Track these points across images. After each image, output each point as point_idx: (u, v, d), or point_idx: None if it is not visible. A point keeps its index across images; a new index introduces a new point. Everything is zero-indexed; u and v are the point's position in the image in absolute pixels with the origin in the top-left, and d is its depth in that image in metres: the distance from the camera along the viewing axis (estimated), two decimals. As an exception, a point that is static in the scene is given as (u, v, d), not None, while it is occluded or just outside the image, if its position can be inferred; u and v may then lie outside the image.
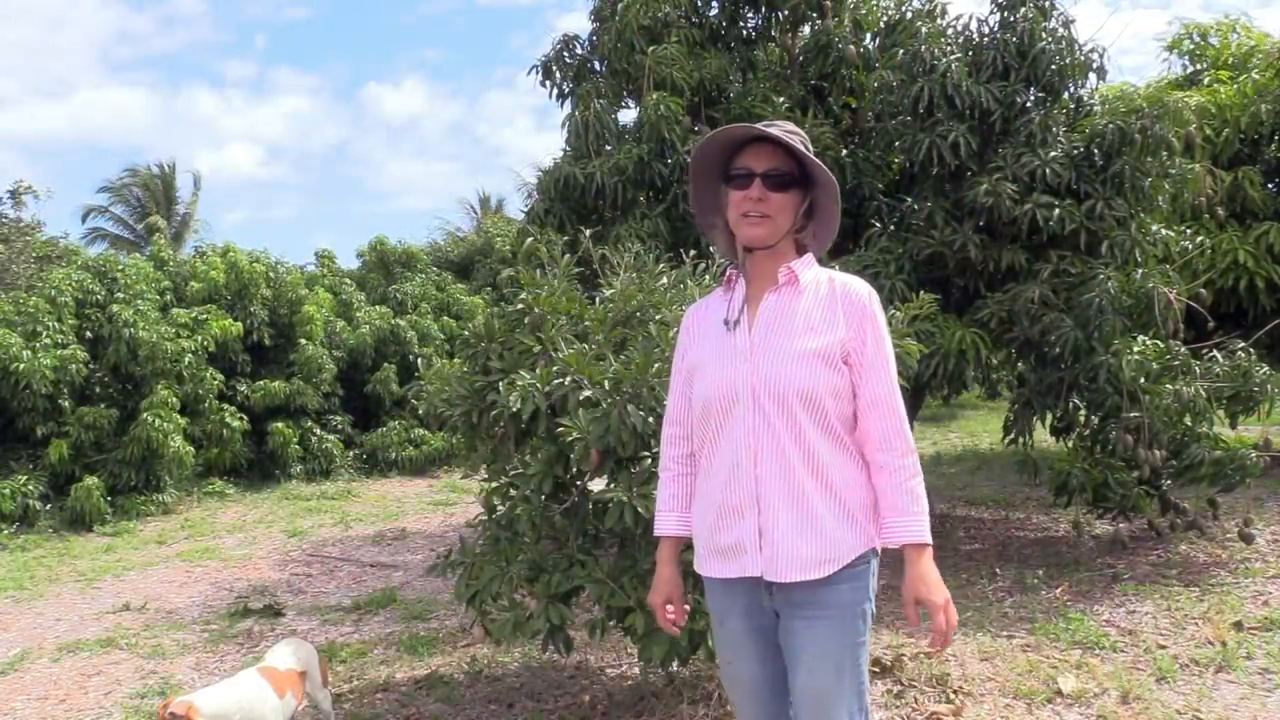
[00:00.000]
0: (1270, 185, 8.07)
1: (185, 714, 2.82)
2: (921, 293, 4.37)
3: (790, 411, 1.85)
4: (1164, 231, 5.93)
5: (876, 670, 3.82)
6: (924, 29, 6.15)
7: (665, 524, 2.13)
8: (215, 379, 10.61)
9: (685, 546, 2.14)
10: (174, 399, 9.80)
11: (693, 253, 3.97)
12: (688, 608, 2.18)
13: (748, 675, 2.01)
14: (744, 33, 7.23)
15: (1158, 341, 5.70)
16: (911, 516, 1.86)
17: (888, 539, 1.90)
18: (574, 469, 3.28)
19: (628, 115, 6.98)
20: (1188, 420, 5.41)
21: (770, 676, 2.00)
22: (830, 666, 1.87)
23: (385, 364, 12.52)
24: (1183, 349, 5.53)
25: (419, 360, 11.39)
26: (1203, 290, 6.41)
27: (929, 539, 1.87)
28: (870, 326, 1.91)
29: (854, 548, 1.89)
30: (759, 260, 1.97)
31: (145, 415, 9.40)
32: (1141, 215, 5.77)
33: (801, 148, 1.91)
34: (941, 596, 1.85)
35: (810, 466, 1.87)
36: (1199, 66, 9.19)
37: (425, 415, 3.72)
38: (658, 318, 3.37)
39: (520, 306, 3.58)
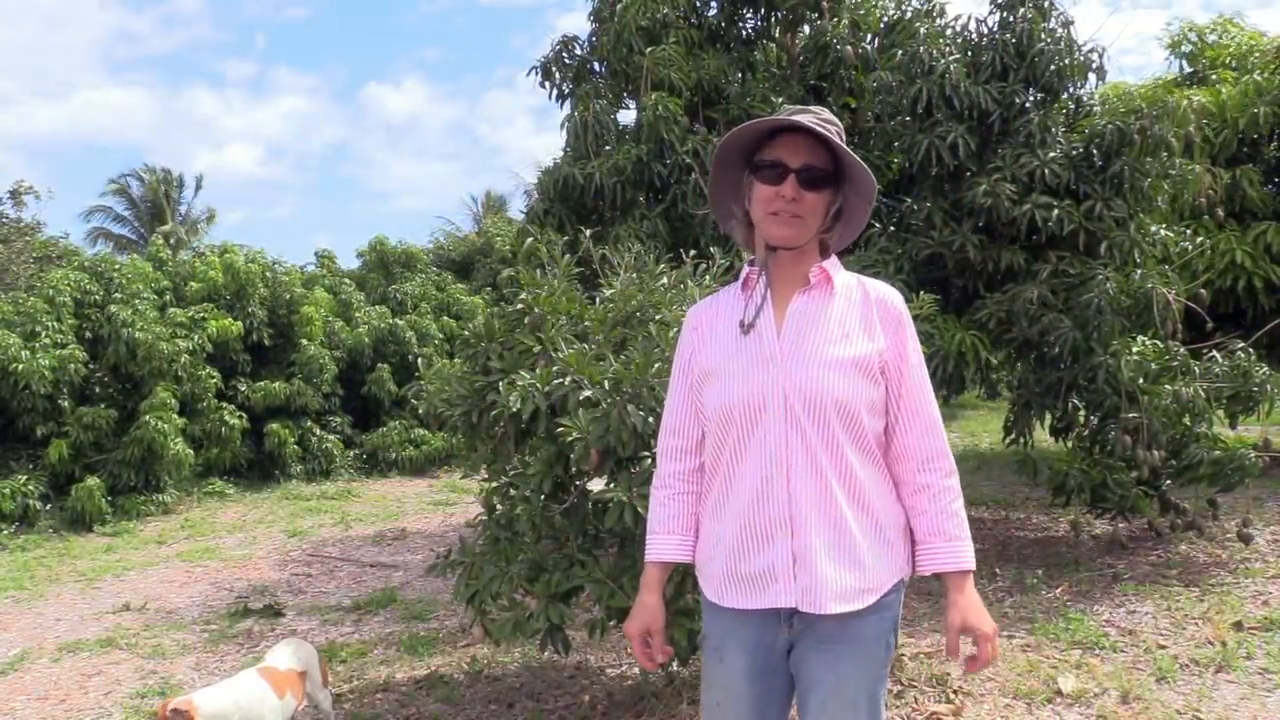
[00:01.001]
0: (1269, 185, 8.08)
1: (187, 710, 2.84)
2: (921, 293, 4.37)
3: (826, 422, 1.69)
4: (1163, 232, 5.94)
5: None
6: (923, 29, 6.15)
7: (663, 548, 1.88)
8: (213, 379, 10.62)
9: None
10: (173, 400, 9.80)
11: (692, 253, 3.98)
12: (669, 650, 1.93)
13: None
14: (743, 33, 7.24)
15: (1157, 342, 5.70)
16: (958, 542, 1.72)
17: (928, 565, 1.74)
18: (574, 469, 3.28)
19: (627, 116, 7.00)
20: (1187, 420, 5.42)
21: None
22: (848, 701, 1.71)
23: (380, 364, 12.53)
24: (1182, 349, 5.54)
25: (418, 360, 11.40)
26: (1202, 290, 6.41)
27: (974, 565, 1.73)
28: (908, 337, 1.78)
29: (890, 576, 1.73)
30: (782, 260, 1.80)
31: (145, 417, 9.41)
32: (1140, 216, 5.77)
33: (839, 140, 1.73)
34: (990, 626, 1.70)
35: (846, 484, 1.70)
36: (1198, 66, 9.21)
37: (425, 415, 3.72)
38: (658, 318, 3.37)
39: (520, 306, 3.59)
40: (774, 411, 1.71)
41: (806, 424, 1.70)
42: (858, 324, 1.76)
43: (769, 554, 1.71)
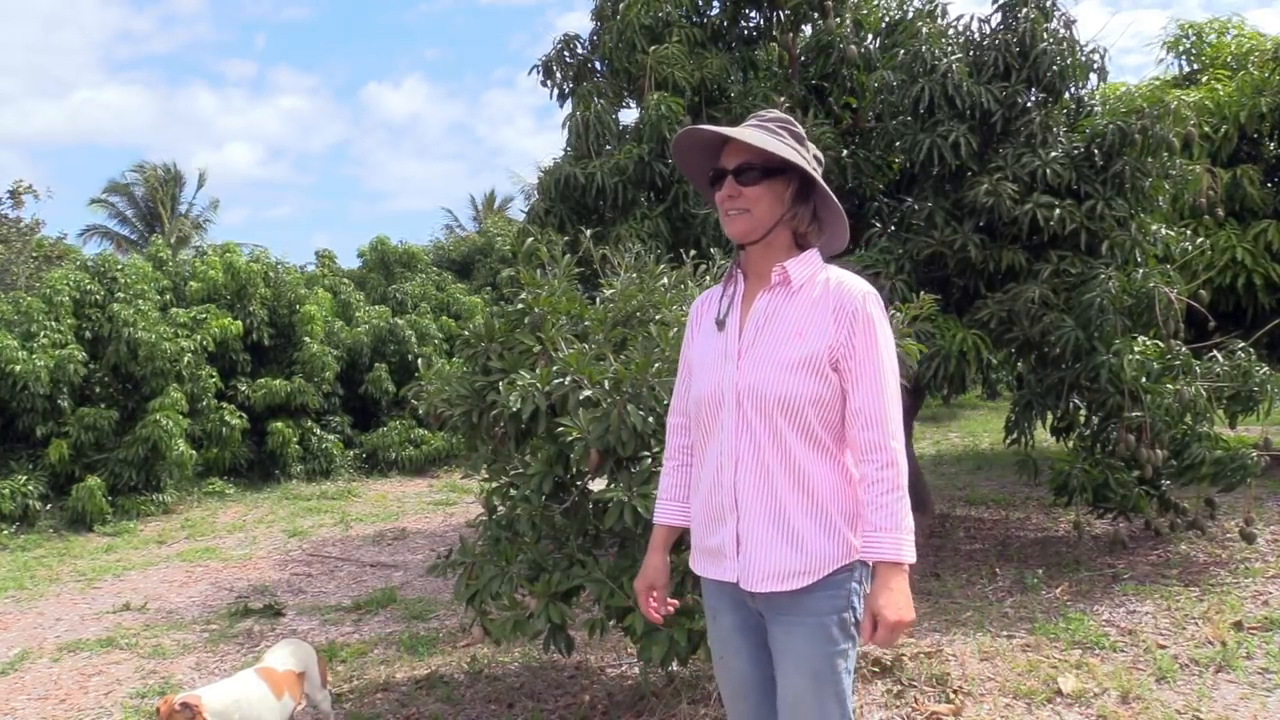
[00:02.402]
0: (1269, 183, 8.07)
1: (196, 705, 2.86)
2: (922, 293, 4.36)
3: (771, 419, 1.82)
4: (1164, 231, 5.93)
5: (876, 670, 3.82)
6: (925, 29, 6.14)
7: (662, 512, 2.12)
8: (214, 378, 10.62)
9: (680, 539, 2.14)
10: (182, 400, 9.81)
11: (693, 253, 3.97)
12: (675, 602, 2.17)
13: (738, 674, 2.00)
14: (745, 32, 7.23)
15: (1158, 341, 5.70)
16: (885, 533, 1.76)
17: (865, 554, 1.82)
18: (574, 469, 3.28)
19: (628, 115, 6.99)
20: (1189, 420, 5.41)
21: (761, 679, 1.97)
22: (806, 673, 1.83)
23: (377, 364, 12.52)
24: (1183, 349, 5.53)
25: (418, 360, 11.43)
26: (1202, 290, 6.40)
27: (903, 558, 1.75)
28: (861, 330, 1.81)
29: (834, 559, 1.83)
30: (754, 257, 1.94)
31: (154, 415, 9.41)
32: (1141, 215, 5.77)
33: (769, 139, 1.85)
34: (896, 615, 1.71)
35: (791, 475, 1.83)
36: (1195, 66, 9.22)
37: (425, 415, 3.72)
38: (658, 318, 3.37)
39: (520, 306, 3.58)
40: (729, 407, 1.88)
41: (754, 420, 1.84)
42: (812, 320, 1.85)
43: (721, 534, 1.91)
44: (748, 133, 1.87)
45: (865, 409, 1.80)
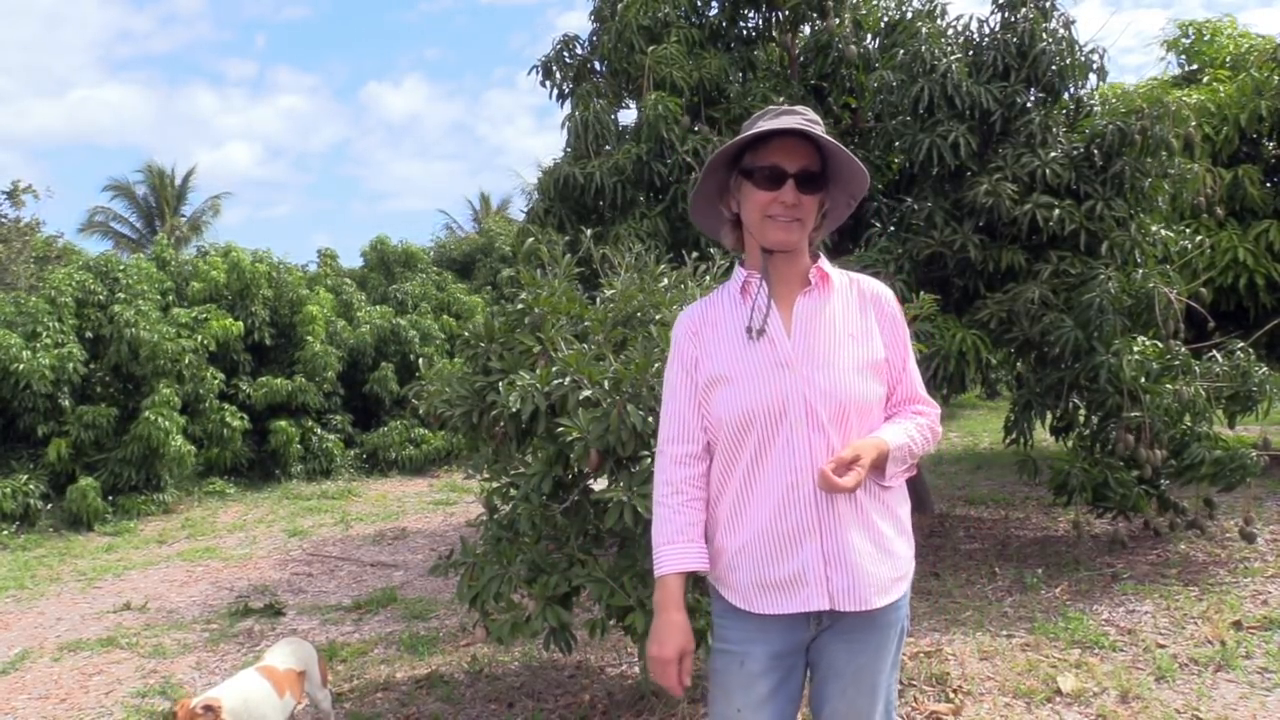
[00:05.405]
0: (1269, 183, 8.08)
1: (216, 706, 2.87)
2: (921, 293, 4.37)
3: (848, 424, 1.72)
4: (1164, 232, 5.93)
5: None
6: (924, 29, 6.15)
7: (684, 558, 1.78)
8: (216, 378, 10.63)
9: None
10: (175, 398, 9.81)
11: (694, 254, 3.98)
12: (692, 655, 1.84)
13: None
14: (744, 32, 7.23)
15: (1158, 341, 5.70)
16: (895, 427, 1.80)
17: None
18: (574, 469, 3.28)
19: (627, 115, 7.00)
20: (1188, 420, 5.41)
21: None
22: (867, 687, 1.77)
23: (383, 364, 12.54)
24: (1183, 349, 5.54)
25: (420, 360, 11.44)
26: (1202, 290, 6.40)
27: (889, 447, 1.73)
28: (901, 332, 1.85)
29: (911, 563, 1.82)
30: (778, 261, 1.80)
31: (147, 414, 9.42)
32: (1141, 215, 5.77)
33: (832, 141, 1.73)
34: (870, 455, 1.67)
35: (867, 482, 1.73)
36: (1195, 65, 9.23)
37: (426, 415, 3.73)
38: (658, 318, 3.37)
39: (520, 306, 3.59)
40: (795, 416, 1.70)
41: (830, 427, 1.70)
42: (859, 324, 1.80)
43: (798, 558, 1.70)
44: (840, 147, 1.74)
45: (912, 395, 1.88)
